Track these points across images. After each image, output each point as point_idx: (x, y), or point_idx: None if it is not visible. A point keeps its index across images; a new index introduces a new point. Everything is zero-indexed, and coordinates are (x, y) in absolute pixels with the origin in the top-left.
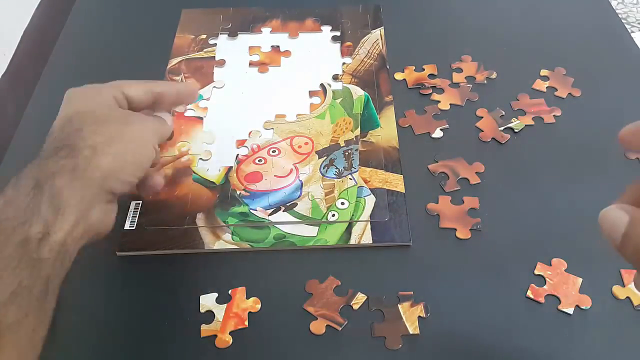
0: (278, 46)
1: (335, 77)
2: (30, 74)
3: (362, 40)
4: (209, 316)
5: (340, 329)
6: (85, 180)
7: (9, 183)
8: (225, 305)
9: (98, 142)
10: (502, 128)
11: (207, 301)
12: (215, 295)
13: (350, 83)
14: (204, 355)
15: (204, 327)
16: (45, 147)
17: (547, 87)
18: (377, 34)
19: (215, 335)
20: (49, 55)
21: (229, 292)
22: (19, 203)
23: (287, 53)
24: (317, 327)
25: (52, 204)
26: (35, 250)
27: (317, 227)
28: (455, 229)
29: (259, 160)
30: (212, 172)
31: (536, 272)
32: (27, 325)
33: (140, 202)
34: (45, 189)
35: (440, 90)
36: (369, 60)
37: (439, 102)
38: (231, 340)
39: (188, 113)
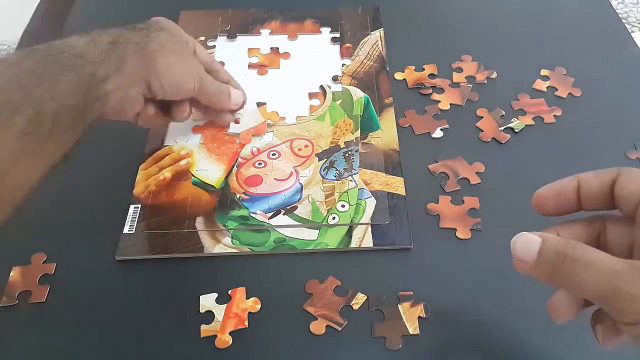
0: (277, 48)
1: (335, 79)
2: None
3: (362, 42)
4: (209, 316)
5: (340, 329)
6: (143, 61)
7: (92, 31)
8: (225, 306)
9: (166, 45)
10: (502, 128)
11: (207, 301)
12: (215, 295)
13: (350, 84)
14: (203, 355)
15: (203, 327)
16: (129, 25)
17: (547, 87)
18: (376, 35)
19: (215, 336)
20: None
21: (229, 292)
22: (98, 48)
23: (286, 55)
24: (317, 327)
25: (118, 62)
26: (95, 85)
27: (318, 231)
28: (456, 229)
29: (258, 164)
30: (212, 175)
31: None
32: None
33: (140, 205)
34: (118, 48)
35: (441, 90)
36: (368, 62)
37: (439, 102)
38: (231, 341)
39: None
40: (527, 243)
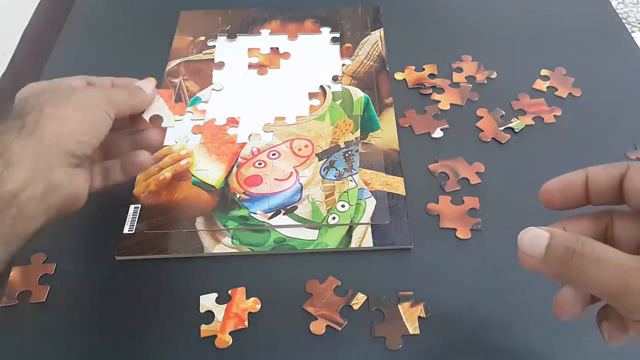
0: (277, 48)
1: (335, 79)
2: (30, 74)
3: (362, 42)
4: (209, 316)
5: (340, 329)
6: (35, 139)
7: None
8: (225, 306)
9: (43, 106)
10: (502, 128)
11: (207, 301)
12: (215, 295)
13: (350, 84)
14: (204, 355)
15: (203, 327)
16: None
17: (547, 87)
18: (376, 35)
19: (215, 336)
20: (48, 55)
21: (229, 292)
22: None
23: (286, 55)
24: (317, 327)
25: (2, 157)
26: None
27: (318, 231)
28: (456, 229)
29: (258, 164)
30: (212, 175)
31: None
32: None
33: (140, 205)
34: None
35: (441, 90)
36: (368, 62)
37: (439, 102)
38: (231, 341)
39: (185, 119)
40: (534, 238)
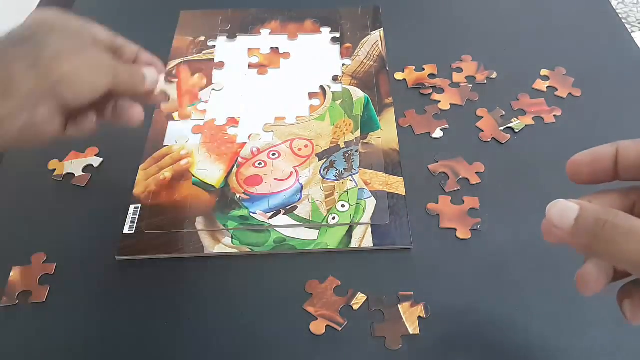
0: (277, 48)
1: (335, 79)
2: None
3: (362, 42)
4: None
5: (340, 329)
6: (42, 75)
7: None
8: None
9: (64, 47)
10: (502, 128)
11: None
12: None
13: (350, 84)
14: (203, 355)
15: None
16: (8, 35)
17: (547, 87)
18: (376, 35)
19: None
20: None
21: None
22: None
23: (286, 55)
24: (317, 327)
25: (4, 83)
26: None
27: (318, 231)
28: (456, 229)
29: (258, 164)
30: (212, 175)
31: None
32: None
33: (140, 205)
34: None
35: (441, 90)
36: (368, 62)
37: (439, 102)
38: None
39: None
40: (564, 210)
